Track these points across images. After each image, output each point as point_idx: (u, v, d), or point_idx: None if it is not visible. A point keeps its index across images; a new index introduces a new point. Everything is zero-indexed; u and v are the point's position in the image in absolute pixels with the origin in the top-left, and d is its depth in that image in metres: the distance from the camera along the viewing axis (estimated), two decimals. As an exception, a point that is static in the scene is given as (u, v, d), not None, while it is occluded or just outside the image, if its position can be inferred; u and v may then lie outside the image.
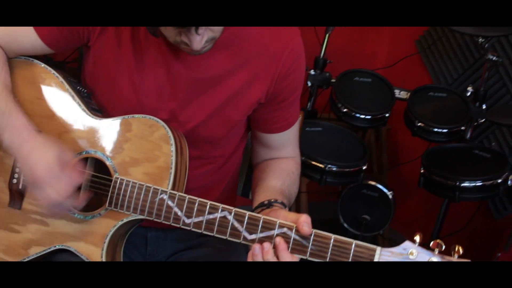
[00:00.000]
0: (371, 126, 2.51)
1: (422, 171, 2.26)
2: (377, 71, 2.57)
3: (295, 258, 1.21)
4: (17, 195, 1.39)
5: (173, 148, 1.31)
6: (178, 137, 1.34)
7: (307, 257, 1.20)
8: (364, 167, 2.29)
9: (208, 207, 1.26)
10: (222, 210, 1.25)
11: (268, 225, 1.22)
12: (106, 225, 1.33)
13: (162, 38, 1.34)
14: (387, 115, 2.40)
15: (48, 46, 1.38)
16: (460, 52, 2.81)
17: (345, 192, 2.47)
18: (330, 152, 2.30)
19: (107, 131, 1.36)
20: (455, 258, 1.13)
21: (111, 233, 1.33)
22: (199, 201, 1.26)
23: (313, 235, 1.19)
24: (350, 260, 1.17)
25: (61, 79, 1.39)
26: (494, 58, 2.30)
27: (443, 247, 1.14)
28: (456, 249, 1.13)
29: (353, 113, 2.35)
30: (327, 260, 1.18)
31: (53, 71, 1.40)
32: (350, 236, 1.20)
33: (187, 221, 1.27)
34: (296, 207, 2.73)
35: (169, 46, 1.34)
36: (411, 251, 1.14)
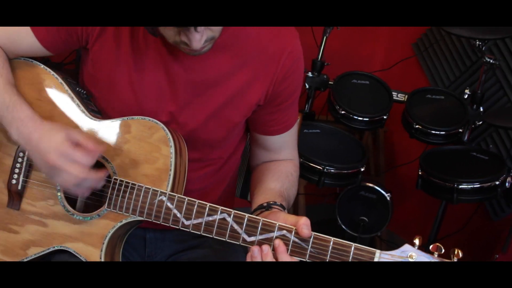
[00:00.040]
0: (369, 128, 2.51)
1: (420, 173, 2.27)
2: (374, 74, 2.58)
3: (295, 260, 1.21)
4: (15, 196, 1.39)
5: (172, 150, 1.31)
6: (177, 139, 1.34)
7: (306, 259, 1.20)
8: (362, 169, 2.29)
9: (207, 209, 1.26)
10: (221, 212, 1.25)
11: (268, 228, 1.22)
12: (105, 226, 1.33)
13: (161, 40, 1.34)
14: (385, 117, 2.40)
15: (46, 48, 1.38)
16: (457, 55, 2.81)
17: (343, 193, 2.47)
18: (328, 154, 2.30)
19: (106, 133, 1.36)
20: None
21: (110, 234, 1.33)
22: (198, 203, 1.26)
23: (312, 237, 1.20)
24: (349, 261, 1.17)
25: (60, 80, 1.39)
26: (491, 61, 2.31)
27: (443, 250, 1.14)
28: (456, 252, 1.14)
29: (351, 115, 2.36)
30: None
31: (52, 72, 1.40)
32: (347, 237, 1.20)
33: (186, 222, 1.27)
34: (293, 209, 2.74)
35: (168, 48, 1.34)
36: (410, 254, 1.15)
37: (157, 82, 1.37)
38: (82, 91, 1.43)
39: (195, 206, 1.26)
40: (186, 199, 1.27)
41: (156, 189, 1.29)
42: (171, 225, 1.28)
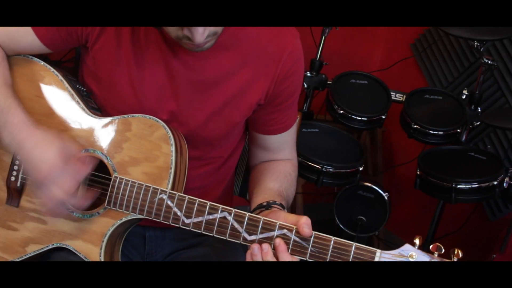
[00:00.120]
0: (368, 128, 2.52)
1: (418, 172, 2.27)
2: (373, 74, 2.58)
3: (295, 259, 1.21)
4: (14, 193, 1.38)
5: (173, 148, 1.31)
6: (177, 137, 1.34)
7: (307, 258, 1.21)
8: (360, 168, 2.30)
9: (208, 207, 1.26)
10: (222, 211, 1.25)
11: (268, 226, 1.22)
12: (104, 224, 1.33)
13: (162, 38, 1.33)
14: (383, 117, 2.41)
15: (46, 46, 1.37)
16: (455, 56, 2.82)
17: (340, 193, 2.47)
18: (326, 153, 2.30)
19: (106, 130, 1.35)
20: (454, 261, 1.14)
21: (109, 232, 1.32)
22: (199, 201, 1.26)
23: (313, 237, 1.20)
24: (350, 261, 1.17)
25: (60, 77, 1.39)
26: (489, 61, 2.32)
27: (443, 250, 1.15)
28: (456, 252, 1.14)
29: (350, 115, 2.36)
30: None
31: (52, 69, 1.40)
32: (345, 237, 1.20)
33: (187, 221, 1.27)
34: (291, 208, 2.74)
35: (170, 47, 1.34)
36: (411, 254, 1.15)
37: (158, 80, 1.37)
38: (82, 88, 1.43)
39: (196, 205, 1.26)
40: (187, 197, 1.27)
41: (157, 187, 1.29)
42: (172, 224, 1.28)
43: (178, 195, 1.28)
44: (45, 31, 1.35)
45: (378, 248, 1.18)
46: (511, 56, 2.57)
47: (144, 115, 1.34)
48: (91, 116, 1.37)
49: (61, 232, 1.35)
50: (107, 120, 1.36)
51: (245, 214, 1.24)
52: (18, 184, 1.38)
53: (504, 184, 2.18)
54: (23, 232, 1.38)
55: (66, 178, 1.25)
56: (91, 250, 1.33)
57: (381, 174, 3.01)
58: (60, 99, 1.38)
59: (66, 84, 1.39)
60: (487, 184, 2.14)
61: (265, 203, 1.35)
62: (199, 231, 1.26)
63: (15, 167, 1.38)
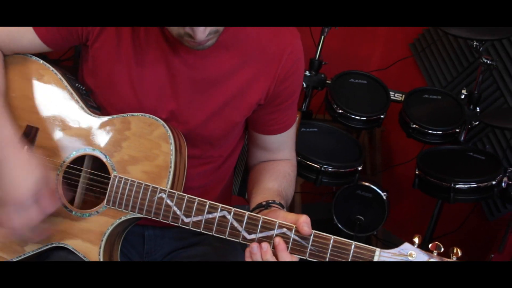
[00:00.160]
0: (366, 128, 2.52)
1: (417, 172, 2.28)
2: (372, 73, 2.58)
3: (295, 258, 1.21)
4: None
5: (172, 147, 1.31)
6: (177, 136, 1.34)
7: (307, 257, 1.20)
8: (359, 168, 2.30)
9: (207, 206, 1.26)
10: (221, 210, 1.25)
11: (268, 225, 1.22)
12: (103, 223, 1.32)
13: (162, 37, 1.33)
14: (382, 116, 2.41)
15: (46, 45, 1.37)
16: (454, 55, 2.82)
17: (339, 192, 2.47)
18: (325, 152, 2.30)
19: (106, 129, 1.35)
20: (453, 261, 1.14)
21: (108, 231, 1.32)
22: (198, 200, 1.26)
23: (312, 235, 1.20)
24: (349, 261, 1.17)
25: (59, 76, 1.39)
26: (488, 61, 2.32)
27: (442, 249, 1.15)
28: (455, 251, 1.14)
29: (349, 114, 2.36)
30: (327, 261, 1.18)
31: (51, 68, 1.39)
32: (343, 236, 1.20)
33: (186, 220, 1.27)
34: (290, 208, 2.73)
35: (170, 45, 1.34)
36: (410, 253, 1.15)
37: (158, 79, 1.36)
38: (81, 87, 1.42)
39: (195, 204, 1.26)
40: (186, 196, 1.27)
41: (156, 186, 1.29)
42: (171, 223, 1.28)
43: (178, 194, 1.28)
44: (45, 30, 1.35)
45: (377, 247, 1.18)
46: (510, 56, 2.57)
47: (143, 114, 1.34)
48: (90, 115, 1.36)
49: (60, 231, 1.35)
50: (106, 119, 1.36)
51: (245, 213, 1.24)
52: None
53: (503, 184, 2.18)
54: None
55: (30, 213, 1.25)
56: (90, 249, 1.33)
57: (379, 173, 3.01)
58: (59, 98, 1.38)
59: (65, 83, 1.38)
60: (486, 184, 2.15)
61: (264, 203, 1.35)
62: (199, 230, 1.26)
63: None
